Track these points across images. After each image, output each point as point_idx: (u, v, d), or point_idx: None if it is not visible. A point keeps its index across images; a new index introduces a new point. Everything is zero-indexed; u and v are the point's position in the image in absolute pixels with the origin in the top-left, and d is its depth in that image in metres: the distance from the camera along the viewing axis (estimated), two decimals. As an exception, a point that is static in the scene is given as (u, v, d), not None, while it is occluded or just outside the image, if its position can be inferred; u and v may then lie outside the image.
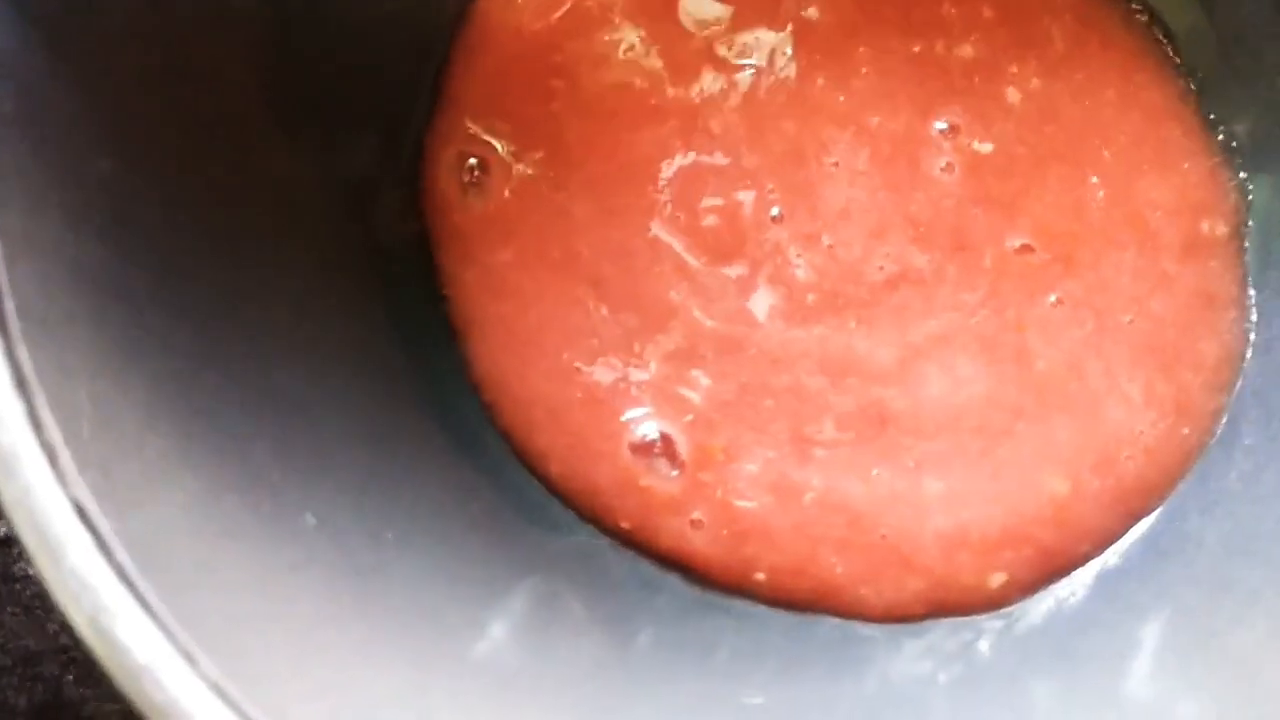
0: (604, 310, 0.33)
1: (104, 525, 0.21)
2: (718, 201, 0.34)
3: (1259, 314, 0.34)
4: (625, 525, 0.32)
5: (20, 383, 0.21)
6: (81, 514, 0.21)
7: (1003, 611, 0.33)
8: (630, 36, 0.35)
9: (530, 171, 0.34)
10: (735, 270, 0.33)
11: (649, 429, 0.32)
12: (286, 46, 0.32)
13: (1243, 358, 0.34)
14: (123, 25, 0.27)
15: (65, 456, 0.21)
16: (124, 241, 0.25)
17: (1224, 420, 0.33)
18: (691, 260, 0.33)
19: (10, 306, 0.22)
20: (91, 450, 0.22)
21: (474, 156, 0.35)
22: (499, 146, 0.34)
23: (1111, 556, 0.33)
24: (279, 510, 0.26)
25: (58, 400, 0.22)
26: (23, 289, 0.22)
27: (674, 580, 0.32)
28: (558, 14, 0.35)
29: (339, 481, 0.29)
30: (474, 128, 0.35)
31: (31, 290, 0.22)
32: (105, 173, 0.26)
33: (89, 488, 0.21)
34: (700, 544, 0.32)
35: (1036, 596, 0.33)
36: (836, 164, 0.34)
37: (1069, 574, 0.33)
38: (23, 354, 0.21)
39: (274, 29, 0.31)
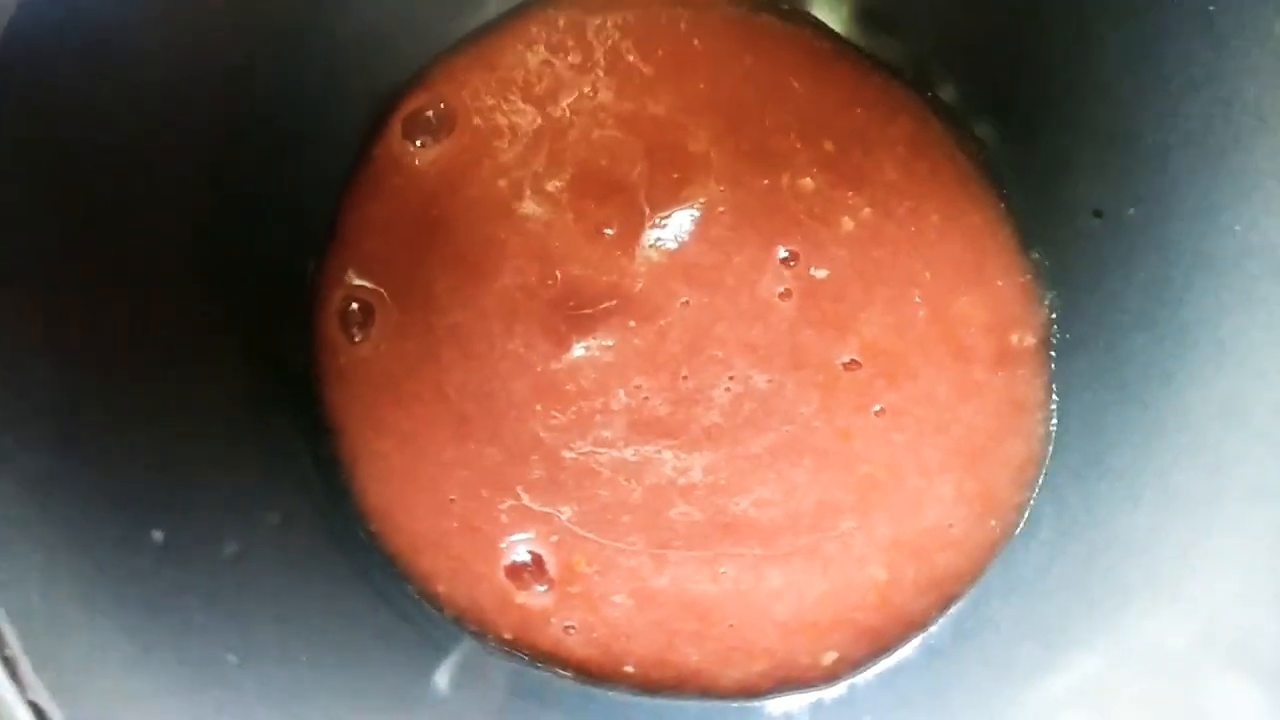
0: (471, 446, 0.38)
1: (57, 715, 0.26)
2: (579, 346, 0.38)
3: (1060, 418, 0.39)
4: (507, 636, 0.37)
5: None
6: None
7: (838, 683, 0.38)
8: (500, 193, 0.39)
9: (405, 318, 0.38)
10: (592, 405, 0.38)
11: (520, 553, 0.37)
12: (214, 220, 0.36)
13: (1045, 458, 0.39)
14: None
15: (25, 664, 0.26)
16: (68, 444, 0.29)
17: (1026, 515, 0.38)
18: (548, 399, 0.38)
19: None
20: (43, 647, 0.26)
21: (357, 302, 0.39)
22: (380, 293, 0.39)
23: (928, 636, 0.38)
24: (206, 654, 0.31)
25: (15, 610, 0.26)
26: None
27: (555, 677, 0.37)
28: (436, 172, 0.39)
29: (258, 613, 0.34)
30: (358, 276, 0.39)
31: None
32: (47, 379, 0.30)
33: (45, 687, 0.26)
34: (575, 646, 0.37)
35: (865, 670, 0.38)
36: (687, 302, 0.39)
37: (892, 651, 0.38)
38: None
39: (205, 204, 0.36)
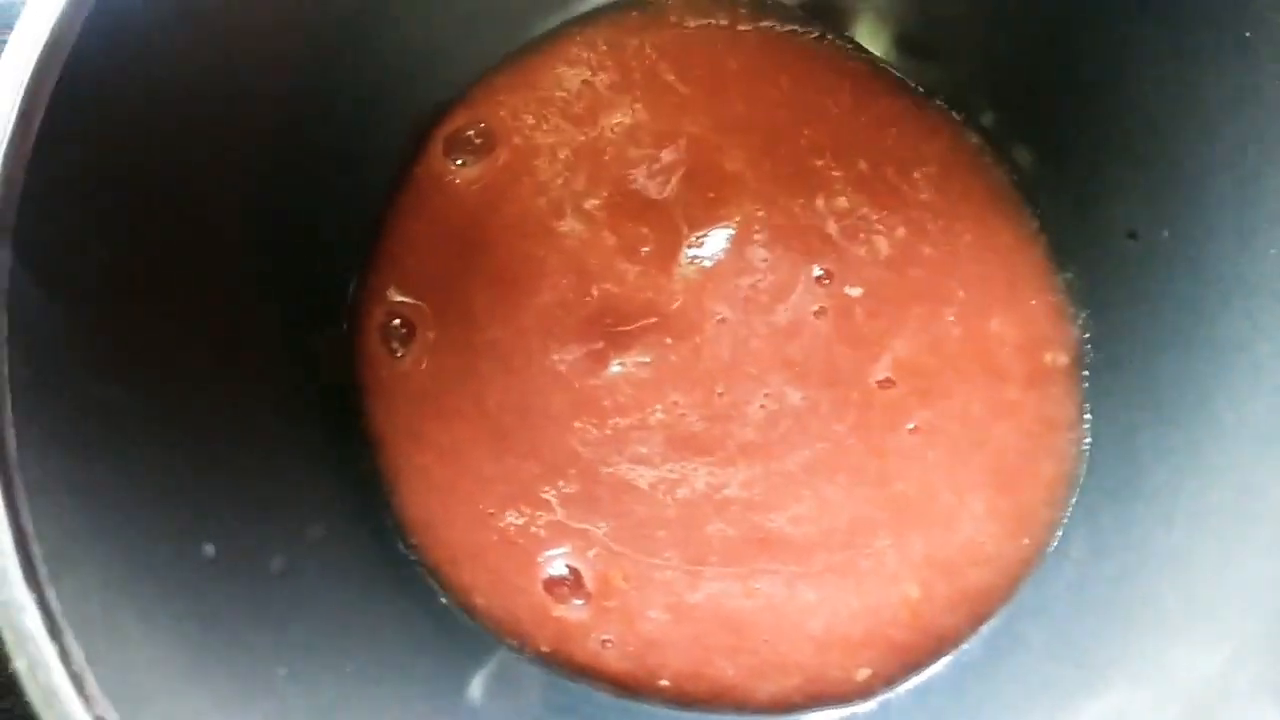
0: (509, 460, 0.38)
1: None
2: (616, 362, 0.39)
3: (1093, 438, 0.39)
4: (545, 649, 0.38)
5: (52, 627, 0.25)
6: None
7: (871, 699, 0.39)
8: (539, 212, 0.39)
9: (446, 333, 0.39)
10: (629, 420, 0.38)
11: (558, 567, 0.38)
12: (259, 236, 0.36)
13: (1078, 477, 0.39)
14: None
15: (90, 679, 0.26)
16: (121, 461, 0.30)
17: (1059, 533, 0.39)
18: (586, 413, 0.38)
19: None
20: (106, 661, 0.26)
21: (399, 318, 0.40)
22: (421, 309, 0.39)
23: (960, 653, 0.38)
24: (257, 667, 0.31)
25: (79, 626, 0.26)
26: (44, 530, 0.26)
27: (591, 690, 0.38)
28: (476, 191, 0.40)
29: (305, 626, 0.34)
30: (400, 292, 0.40)
31: (50, 528, 0.26)
32: (101, 397, 0.30)
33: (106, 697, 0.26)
34: (611, 659, 0.38)
35: (898, 686, 0.38)
36: (723, 320, 0.39)
37: (924, 668, 0.38)
38: (51, 593, 0.26)
39: (251, 221, 0.36)
